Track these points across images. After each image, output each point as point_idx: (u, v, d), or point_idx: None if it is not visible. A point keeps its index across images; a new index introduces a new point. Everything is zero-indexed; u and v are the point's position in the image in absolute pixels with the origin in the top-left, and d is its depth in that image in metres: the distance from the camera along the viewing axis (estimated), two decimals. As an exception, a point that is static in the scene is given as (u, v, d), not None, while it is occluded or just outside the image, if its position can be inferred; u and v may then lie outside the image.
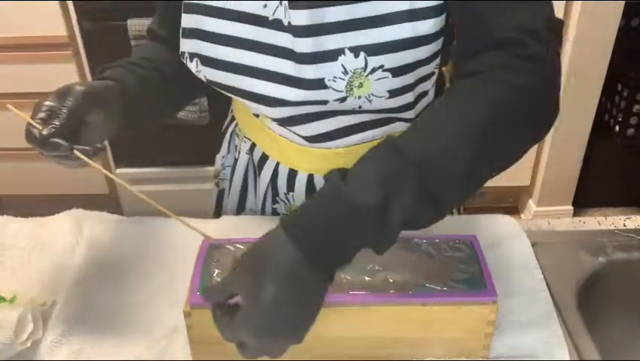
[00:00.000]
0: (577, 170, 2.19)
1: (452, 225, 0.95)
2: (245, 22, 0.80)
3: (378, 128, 0.88)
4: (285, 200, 0.98)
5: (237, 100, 0.90)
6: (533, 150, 2.16)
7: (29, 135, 0.76)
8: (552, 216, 1.05)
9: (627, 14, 1.94)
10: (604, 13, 1.87)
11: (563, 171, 2.19)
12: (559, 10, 1.88)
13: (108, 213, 1.02)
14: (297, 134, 0.89)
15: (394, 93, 0.80)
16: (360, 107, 0.81)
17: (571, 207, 2.28)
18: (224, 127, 1.08)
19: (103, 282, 0.89)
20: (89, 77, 2.03)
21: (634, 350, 0.97)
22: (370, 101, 0.80)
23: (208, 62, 0.84)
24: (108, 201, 2.28)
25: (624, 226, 1.00)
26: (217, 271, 0.76)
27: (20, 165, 2.25)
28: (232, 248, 0.79)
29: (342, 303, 0.73)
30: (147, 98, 0.90)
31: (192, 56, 0.86)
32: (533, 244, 0.93)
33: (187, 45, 0.86)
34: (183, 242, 0.92)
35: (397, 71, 0.78)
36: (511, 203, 2.40)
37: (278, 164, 0.95)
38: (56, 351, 0.80)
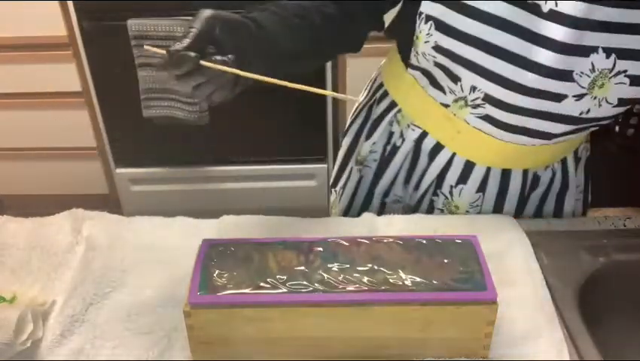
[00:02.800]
0: (577, 170, 2.19)
1: (452, 225, 0.96)
2: (503, 0, 0.79)
3: (576, 134, 0.91)
4: (448, 194, 0.98)
5: (420, 83, 0.92)
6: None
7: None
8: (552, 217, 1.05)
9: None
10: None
11: (563, 171, 2.19)
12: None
13: (108, 213, 1.02)
14: (505, 125, 0.88)
15: (622, 102, 0.83)
16: (588, 110, 0.84)
17: (571, 208, 2.28)
18: (376, 115, 1.04)
19: (103, 282, 0.89)
20: (89, 77, 2.04)
21: (634, 350, 0.97)
22: (600, 105, 0.83)
23: (448, 30, 0.83)
24: (108, 201, 2.28)
25: (624, 226, 1.00)
26: (217, 271, 0.76)
27: (20, 165, 2.25)
28: (232, 248, 0.79)
29: (341, 303, 0.73)
30: (286, 39, 0.84)
31: (428, 17, 0.85)
32: (533, 244, 0.93)
33: (428, 7, 0.85)
34: (183, 242, 0.93)
35: (635, 80, 0.81)
36: (511, 203, 2.40)
37: (453, 155, 0.95)
38: (56, 351, 0.80)
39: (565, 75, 0.81)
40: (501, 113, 0.87)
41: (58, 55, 2.00)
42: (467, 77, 0.86)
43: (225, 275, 0.75)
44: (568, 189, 1.05)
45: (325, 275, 0.75)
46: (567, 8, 0.77)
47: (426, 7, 0.85)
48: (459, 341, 0.76)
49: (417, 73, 0.93)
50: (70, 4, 1.91)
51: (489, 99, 0.86)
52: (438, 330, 0.75)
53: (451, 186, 0.97)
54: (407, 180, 1.03)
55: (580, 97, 0.83)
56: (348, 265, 0.76)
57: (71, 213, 1.01)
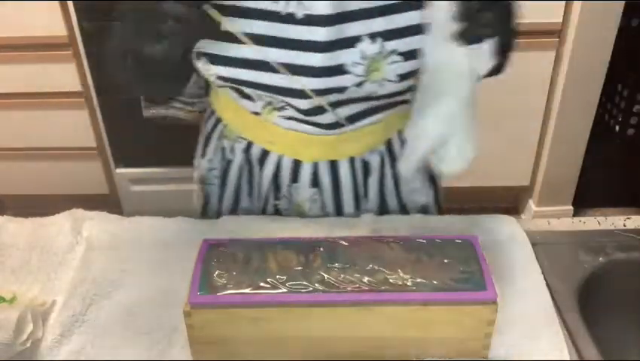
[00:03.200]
0: (577, 170, 2.19)
1: (452, 225, 0.96)
2: (259, 19, 0.82)
3: (383, 112, 0.93)
4: (288, 195, 0.99)
5: (231, 96, 0.93)
6: (533, 149, 2.16)
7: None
8: (552, 216, 1.05)
9: (627, 14, 1.94)
10: (604, 13, 1.87)
11: (563, 171, 2.19)
12: (559, 10, 1.89)
13: (108, 213, 1.02)
14: (311, 124, 0.91)
15: (403, 77, 0.85)
16: (374, 93, 0.86)
17: (571, 207, 2.28)
18: (206, 132, 1.07)
19: (103, 282, 0.89)
20: (89, 77, 2.03)
21: (634, 350, 0.97)
22: (382, 85, 0.85)
23: (220, 60, 0.85)
24: (108, 201, 2.28)
25: (624, 226, 1.00)
26: (217, 271, 0.76)
27: (20, 165, 2.25)
28: (232, 248, 0.79)
29: (341, 303, 0.73)
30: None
31: (199, 55, 0.86)
32: (533, 244, 0.93)
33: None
34: (183, 242, 0.93)
35: (407, 56, 0.84)
36: (511, 203, 2.40)
37: (281, 157, 0.96)
38: (56, 351, 0.80)
39: (338, 70, 0.83)
40: (300, 115, 0.90)
41: (58, 55, 2.00)
42: (254, 93, 0.89)
43: (225, 275, 0.75)
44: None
45: (325, 275, 0.75)
46: (319, 9, 0.80)
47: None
48: (459, 341, 0.76)
49: (226, 88, 0.94)
50: (70, 4, 1.91)
51: (286, 104, 0.90)
52: (438, 330, 0.75)
53: (287, 187, 0.99)
54: (250, 193, 1.04)
55: (360, 84, 0.85)
56: (348, 265, 0.76)
57: (71, 213, 1.01)
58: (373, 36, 0.82)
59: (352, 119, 0.92)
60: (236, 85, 0.88)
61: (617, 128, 2.18)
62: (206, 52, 0.86)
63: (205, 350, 0.77)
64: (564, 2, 1.88)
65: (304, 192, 0.98)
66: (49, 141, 2.19)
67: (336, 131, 0.92)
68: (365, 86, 0.85)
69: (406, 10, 0.82)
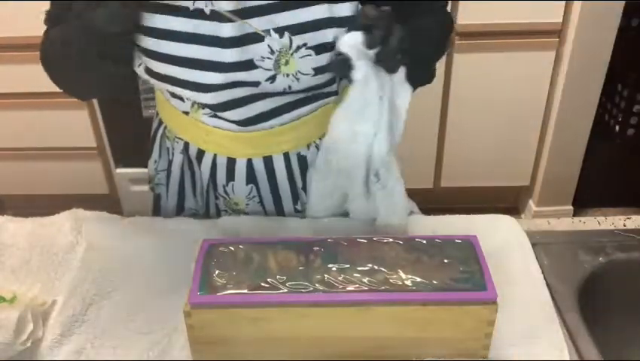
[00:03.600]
0: (577, 170, 2.19)
1: (452, 225, 0.96)
2: (170, 14, 0.83)
3: (307, 106, 0.93)
4: (224, 194, 0.99)
5: (165, 96, 0.95)
6: (533, 149, 2.16)
7: None
8: (552, 216, 1.05)
9: (627, 14, 1.94)
10: (604, 13, 1.87)
11: (563, 171, 2.19)
12: (559, 10, 1.89)
13: (108, 213, 1.02)
14: (231, 121, 0.91)
15: (318, 70, 0.86)
16: (290, 86, 0.87)
17: (571, 207, 2.28)
18: (152, 132, 1.09)
19: (103, 282, 0.89)
20: (89, 77, 2.04)
21: (634, 350, 0.97)
22: (297, 79, 0.86)
23: (144, 52, 0.86)
24: (108, 201, 2.28)
25: (624, 226, 1.00)
26: (217, 271, 0.76)
27: (20, 165, 2.25)
28: (232, 248, 0.79)
29: (341, 303, 0.73)
30: None
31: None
32: (533, 244, 0.93)
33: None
34: (183, 242, 0.93)
35: (319, 49, 0.84)
36: (511, 203, 2.40)
37: (215, 156, 0.97)
38: (56, 351, 0.80)
39: (247, 65, 0.84)
40: (216, 111, 0.91)
41: (58, 55, 2.00)
42: (177, 90, 0.90)
43: (225, 275, 0.75)
44: None
45: (325, 275, 0.75)
46: (223, 5, 0.81)
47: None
48: (459, 341, 0.76)
49: (161, 89, 0.96)
50: (70, 4, 1.91)
51: (196, 108, 0.91)
52: (438, 330, 0.75)
53: (223, 186, 0.99)
54: (194, 192, 1.04)
55: (272, 79, 0.85)
56: (348, 265, 0.76)
57: (71, 213, 1.01)
58: (279, 30, 0.83)
59: (274, 113, 0.92)
60: (159, 81, 0.89)
61: (617, 128, 2.17)
62: (138, 44, 0.87)
63: (205, 350, 0.77)
64: (564, 2, 1.88)
65: (240, 190, 0.98)
66: (49, 141, 2.19)
67: (258, 127, 0.92)
68: (278, 80, 0.86)
69: (310, 5, 0.83)
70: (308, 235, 0.92)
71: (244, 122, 0.92)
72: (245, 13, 0.82)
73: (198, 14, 0.82)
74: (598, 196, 2.30)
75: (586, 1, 1.84)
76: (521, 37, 1.92)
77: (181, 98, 0.93)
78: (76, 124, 2.14)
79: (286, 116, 0.93)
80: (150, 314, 0.85)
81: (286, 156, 0.97)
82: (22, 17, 1.92)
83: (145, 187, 2.41)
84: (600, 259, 0.93)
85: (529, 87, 2.02)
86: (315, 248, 0.78)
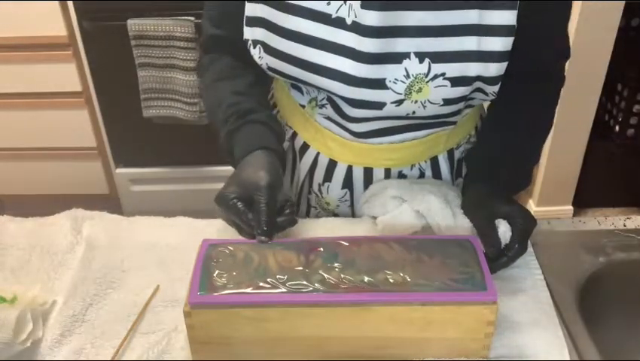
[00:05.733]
0: (577, 170, 2.19)
1: (453, 225, 0.95)
2: (308, 18, 0.81)
3: (422, 131, 0.91)
4: (318, 193, 1.00)
5: (286, 85, 0.95)
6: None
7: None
8: (552, 216, 1.05)
9: (627, 14, 1.94)
10: (604, 13, 1.87)
11: (563, 171, 2.19)
12: (559, 10, 1.88)
13: (108, 213, 1.02)
14: (344, 128, 0.91)
15: (448, 102, 0.83)
16: (414, 112, 0.84)
17: (571, 207, 2.28)
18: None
19: (103, 282, 0.89)
20: (89, 77, 2.03)
21: (634, 350, 0.97)
22: (424, 107, 0.83)
23: (271, 51, 0.85)
24: (108, 201, 2.28)
25: (624, 226, 1.00)
26: (217, 271, 0.76)
27: (20, 165, 2.25)
28: (232, 248, 0.79)
29: (341, 303, 0.73)
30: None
31: (255, 43, 0.87)
32: (533, 244, 0.93)
33: (250, 33, 0.87)
34: (183, 242, 0.93)
35: (456, 81, 0.81)
36: (511, 203, 2.40)
37: (318, 154, 0.97)
38: (56, 351, 0.80)
39: (377, 84, 0.81)
40: (338, 118, 0.90)
41: (58, 55, 2.00)
42: (302, 88, 0.90)
43: (225, 275, 0.75)
44: None
45: (325, 275, 0.75)
46: (368, 19, 0.77)
47: (248, 33, 0.87)
48: (459, 341, 0.76)
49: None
50: (70, 4, 1.91)
51: (330, 101, 0.89)
52: (438, 330, 0.75)
53: (319, 184, 0.99)
54: (291, 180, 1.04)
55: (399, 103, 0.83)
56: (348, 265, 0.76)
57: (71, 213, 1.01)
58: (420, 55, 0.79)
59: (387, 132, 0.90)
60: (282, 78, 0.89)
61: (617, 128, 2.17)
62: (260, 40, 0.86)
63: (205, 350, 0.77)
64: (564, 2, 1.88)
65: (334, 192, 0.98)
66: (49, 141, 2.19)
67: (370, 140, 0.91)
68: (405, 105, 0.83)
69: (460, 35, 0.79)
70: (308, 235, 0.92)
71: (356, 134, 0.91)
72: (388, 32, 0.78)
73: (338, 23, 0.80)
74: (598, 196, 2.30)
75: (587, 0, 1.84)
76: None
77: (300, 90, 0.93)
78: (76, 124, 2.14)
79: (398, 137, 0.91)
80: (150, 314, 0.85)
81: (387, 171, 0.96)
82: (22, 17, 1.93)
83: (145, 187, 2.42)
84: (600, 259, 0.93)
85: (529, 87, 2.02)
86: (315, 248, 0.78)
